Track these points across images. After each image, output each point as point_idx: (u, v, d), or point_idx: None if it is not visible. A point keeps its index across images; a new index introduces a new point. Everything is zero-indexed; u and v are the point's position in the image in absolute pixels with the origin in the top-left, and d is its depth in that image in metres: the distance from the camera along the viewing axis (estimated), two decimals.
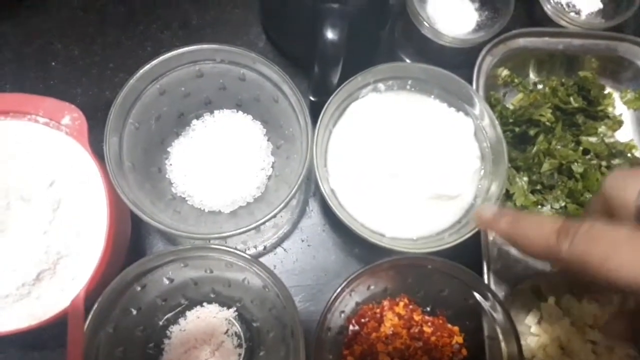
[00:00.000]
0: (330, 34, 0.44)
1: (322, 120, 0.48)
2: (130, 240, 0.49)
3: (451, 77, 0.50)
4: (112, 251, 0.42)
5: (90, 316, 0.40)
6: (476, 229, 0.46)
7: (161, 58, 0.47)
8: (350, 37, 0.50)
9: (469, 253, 0.53)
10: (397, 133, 0.51)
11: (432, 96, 0.52)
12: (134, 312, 0.46)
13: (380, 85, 0.52)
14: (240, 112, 0.54)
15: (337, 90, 0.49)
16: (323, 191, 0.47)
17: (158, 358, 0.48)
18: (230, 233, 0.43)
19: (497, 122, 0.49)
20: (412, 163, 0.50)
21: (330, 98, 0.48)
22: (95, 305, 0.40)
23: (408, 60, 0.62)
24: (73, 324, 0.38)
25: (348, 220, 0.47)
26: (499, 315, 0.46)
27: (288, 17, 0.52)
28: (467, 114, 0.51)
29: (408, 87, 0.52)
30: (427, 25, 0.56)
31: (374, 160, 0.50)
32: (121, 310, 0.44)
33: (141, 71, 0.46)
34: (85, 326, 0.39)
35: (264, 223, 0.44)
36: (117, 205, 0.43)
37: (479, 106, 0.50)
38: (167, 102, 0.51)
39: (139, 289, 0.44)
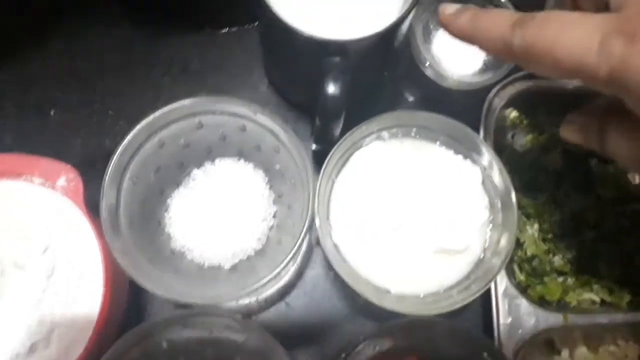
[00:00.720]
0: (331, 88, 0.42)
1: (325, 171, 0.47)
2: (129, 299, 0.48)
3: (457, 125, 0.49)
4: (108, 317, 0.40)
5: None
6: (486, 288, 0.44)
7: (158, 113, 0.46)
8: (354, 83, 0.49)
9: (478, 306, 0.52)
10: (402, 182, 0.49)
11: (438, 143, 0.51)
12: None
13: (385, 133, 0.50)
14: (242, 161, 0.53)
15: (340, 141, 0.47)
16: (325, 248, 0.45)
17: None
18: (231, 296, 0.42)
19: (505, 173, 0.48)
20: (418, 214, 0.48)
21: (333, 149, 0.47)
22: None
23: (412, 98, 0.60)
24: None
25: (351, 278, 0.45)
26: None
27: (289, 65, 0.51)
28: (474, 162, 0.50)
29: (413, 134, 0.51)
30: (431, 69, 0.54)
31: (379, 212, 0.48)
32: None
33: (138, 127, 0.45)
34: None
35: (264, 284, 0.43)
36: (113, 269, 0.42)
37: (487, 155, 0.48)
38: (167, 154, 0.50)
39: (137, 355, 0.43)
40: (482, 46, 0.36)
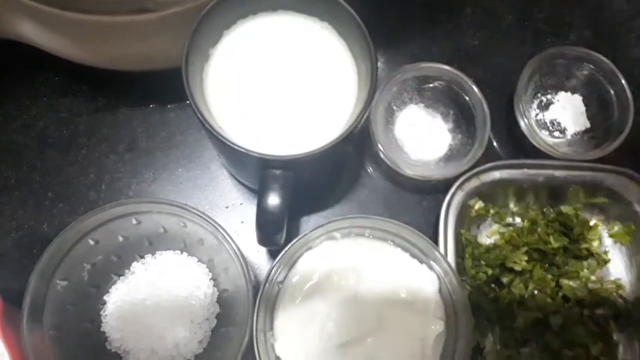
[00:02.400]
0: (271, 200, 0.39)
1: (268, 278, 0.44)
2: None
3: (413, 233, 0.46)
4: None
5: None
6: None
7: (91, 216, 0.43)
8: (305, 180, 0.46)
9: None
10: (354, 287, 0.46)
11: (393, 244, 0.48)
12: None
13: (336, 234, 0.47)
14: (185, 254, 0.49)
15: (284, 250, 0.44)
16: None
17: None
18: None
19: (459, 284, 0.44)
20: (368, 330, 0.45)
21: (274, 262, 0.44)
22: None
23: (375, 175, 0.57)
24: None
25: None
26: None
27: (235, 164, 0.47)
28: (430, 267, 0.47)
29: (366, 234, 0.48)
30: (390, 163, 0.51)
31: (330, 320, 0.45)
32: None
33: (67, 229, 0.42)
34: None
35: None
36: None
37: (442, 262, 0.45)
38: (102, 251, 0.47)
39: None
40: None
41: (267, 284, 0.44)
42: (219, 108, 0.42)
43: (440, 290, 0.46)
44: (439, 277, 0.46)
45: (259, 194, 0.40)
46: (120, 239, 0.47)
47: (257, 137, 0.41)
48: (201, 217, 0.43)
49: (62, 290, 0.44)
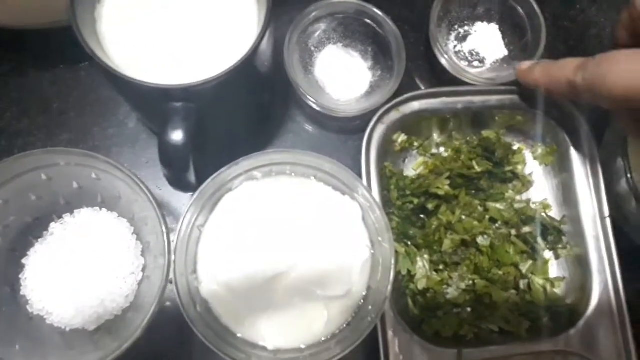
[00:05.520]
0: (173, 136, 0.38)
1: (184, 222, 0.43)
2: None
3: (334, 164, 0.45)
4: None
5: None
6: (361, 339, 0.41)
7: None
8: (217, 116, 0.46)
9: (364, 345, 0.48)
10: (277, 225, 0.45)
11: (315, 179, 0.47)
12: None
13: (256, 173, 0.47)
14: (104, 210, 0.48)
15: (201, 187, 0.43)
16: (185, 310, 0.41)
17: None
18: None
19: (380, 211, 0.44)
20: (296, 259, 0.44)
21: (192, 198, 0.43)
22: None
23: (299, 119, 0.56)
24: None
25: (220, 339, 0.42)
26: None
27: (142, 107, 0.46)
28: (353, 197, 0.46)
29: (288, 172, 0.47)
30: (311, 99, 0.51)
31: (253, 259, 0.44)
32: None
33: None
34: None
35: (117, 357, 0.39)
36: None
37: (364, 192, 0.45)
38: (15, 211, 0.45)
39: None
40: (552, 90, 0.45)
41: (184, 227, 0.43)
42: (115, 48, 0.40)
43: (363, 219, 0.46)
44: (362, 207, 0.46)
45: (160, 129, 0.39)
46: (33, 197, 0.45)
47: (157, 71, 0.40)
48: (112, 165, 0.42)
49: None
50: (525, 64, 0.48)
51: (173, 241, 0.41)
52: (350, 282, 0.45)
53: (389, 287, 0.43)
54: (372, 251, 0.46)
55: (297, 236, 0.45)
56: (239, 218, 0.46)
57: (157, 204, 0.42)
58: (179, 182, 0.43)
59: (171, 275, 0.41)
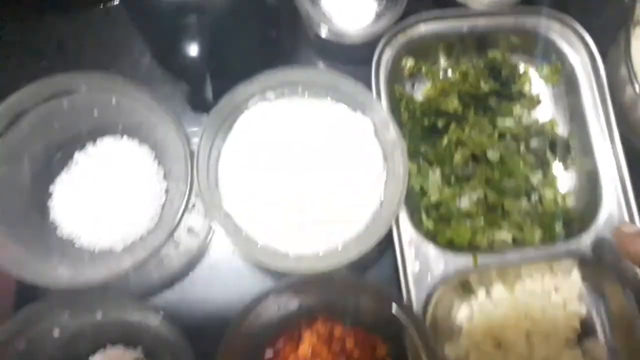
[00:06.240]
0: (189, 49, 0.40)
1: (204, 139, 0.45)
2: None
3: (343, 79, 0.47)
4: None
5: None
6: (381, 237, 0.43)
7: (14, 96, 0.43)
8: (229, 44, 0.47)
9: (390, 260, 0.50)
10: (292, 143, 0.47)
11: (327, 98, 0.49)
12: None
13: (270, 94, 0.48)
14: (125, 138, 0.50)
15: (218, 105, 0.45)
16: (215, 219, 0.43)
17: None
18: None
19: (392, 123, 0.46)
20: (311, 172, 0.46)
21: (210, 114, 0.44)
22: None
23: (308, 51, 0.58)
24: None
25: (246, 246, 0.43)
26: (415, 327, 0.43)
27: (159, 34, 0.48)
28: (365, 113, 0.48)
29: (300, 92, 0.49)
30: (320, 26, 0.52)
31: (271, 175, 0.46)
32: None
33: None
34: None
35: (146, 260, 0.41)
36: None
37: (376, 107, 0.47)
38: (40, 138, 0.47)
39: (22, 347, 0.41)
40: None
41: (202, 148, 0.44)
42: None
43: (376, 133, 0.48)
44: (373, 123, 0.48)
45: (177, 44, 0.40)
46: (56, 126, 0.47)
47: None
48: (132, 86, 0.43)
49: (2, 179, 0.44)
50: (628, 228, 0.43)
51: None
52: (365, 192, 0.46)
53: (403, 193, 0.44)
54: (386, 164, 0.47)
55: (312, 152, 0.47)
56: (255, 137, 0.47)
57: (177, 122, 0.43)
58: (197, 98, 0.44)
59: (193, 197, 0.44)
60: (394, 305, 0.43)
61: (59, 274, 0.44)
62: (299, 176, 0.46)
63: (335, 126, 0.48)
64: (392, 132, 0.46)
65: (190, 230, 0.51)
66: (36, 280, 0.42)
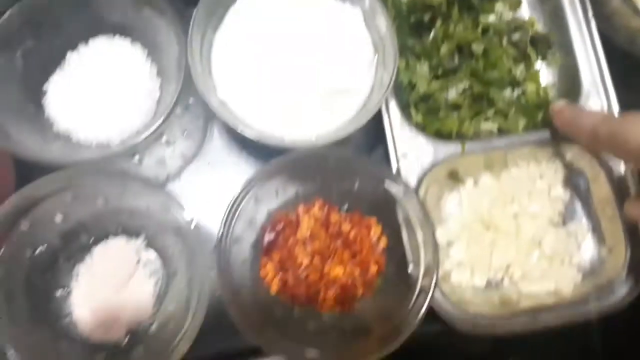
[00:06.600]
0: None
1: (194, 29, 0.45)
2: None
3: None
4: None
5: None
6: (369, 116, 0.45)
7: None
8: None
9: (376, 145, 0.52)
10: (284, 31, 0.48)
11: None
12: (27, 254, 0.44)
13: None
14: (117, 37, 0.50)
15: None
16: (211, 105, 0.44)
17: (67, 300, 0.46)
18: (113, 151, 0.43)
19: (382, 10, 0.47)
20: (303, 60, 0.47)
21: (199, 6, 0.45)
22: None
23: None
24: None
25: (242, 129, 0.44)
26: (408, 200, 0.45)
27: None
28: (354, 3, 0.49)
29: None
30: None
31: (264, 63, 0.47)
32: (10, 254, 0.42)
33: None
34: None
35: (146, 138, 0.43)
36: None
37: None
38: (30, 35, 0.47)
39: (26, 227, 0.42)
40: (575, 133, 0.48)
41: (194, 37, 0.45)
42: None
43: (366, 22, 0.49)
44: (363, 12, 0.49)
45: None
46: (47, 22, 0.47)
47: None
48: None
49: None
50: (559, 105, 0.50)
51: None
52: (357, 78, 0.48)
53: (392, 78, 0.46)
54: (376, 54, 0.49)
55: (303, 40, 0.48)
56: (246, 28, 0.48)
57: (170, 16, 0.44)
58: None
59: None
60: (386, 181, 0.45)
61: (57, 153, 0.46)
62: (291, 64, 0.47)
63: (325, 16, 0.49)
64: (381, 18, 0.47)
65: (185, 131, 0.53)
66: (35, 156, 0.43)
